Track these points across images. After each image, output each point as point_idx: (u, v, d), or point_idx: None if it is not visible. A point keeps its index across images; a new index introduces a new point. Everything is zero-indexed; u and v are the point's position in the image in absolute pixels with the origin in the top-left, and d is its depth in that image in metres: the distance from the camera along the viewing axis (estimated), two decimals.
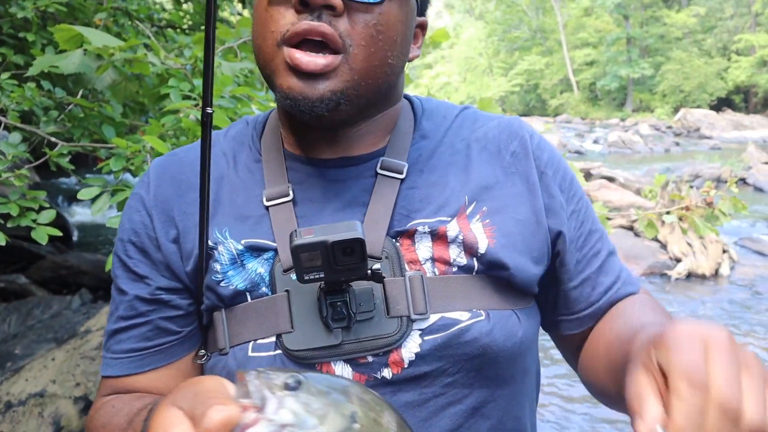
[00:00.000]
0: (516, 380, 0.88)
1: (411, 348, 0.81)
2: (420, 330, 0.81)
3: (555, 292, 0.95)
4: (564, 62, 43.49)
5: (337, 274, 0.75)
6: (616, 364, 0.78)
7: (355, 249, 0.73)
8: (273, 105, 2.50)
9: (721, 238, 6.90)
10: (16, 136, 2.20)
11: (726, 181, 12.59)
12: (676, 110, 34.05)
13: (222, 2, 3.68)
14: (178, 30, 4.03)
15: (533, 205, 0.89)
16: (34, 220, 1.99)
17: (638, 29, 39.92)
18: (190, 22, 4.37)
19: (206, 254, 0.84)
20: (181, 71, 2.27)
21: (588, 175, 11.18)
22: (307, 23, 0.75)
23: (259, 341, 0.82)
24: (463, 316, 0.82)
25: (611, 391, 0.84)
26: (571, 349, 1.00)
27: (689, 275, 6.50)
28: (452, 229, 0.85)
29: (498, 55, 48.75)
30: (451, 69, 51.81)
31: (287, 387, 0.54)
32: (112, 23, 3.10)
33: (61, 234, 2.11)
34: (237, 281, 0.84)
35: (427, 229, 0.85)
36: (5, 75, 2.50)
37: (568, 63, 43.09)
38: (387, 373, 0.81)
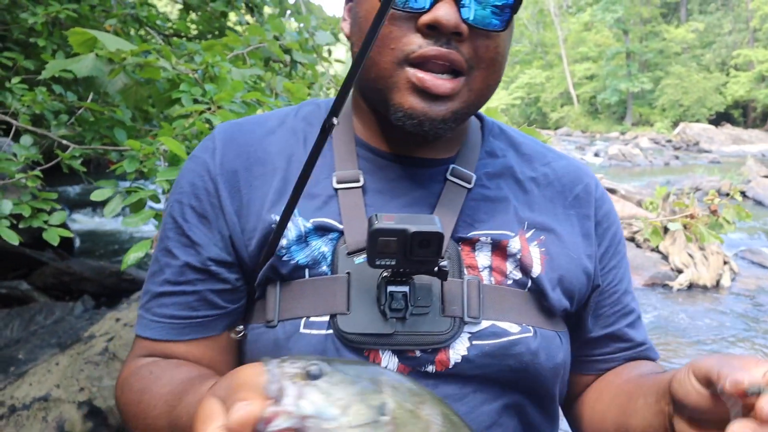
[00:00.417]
0: (546, 398, 0.90)
1: (459, 350, 0.82)
2: (470, 333, 0.83)
3: (578, 336, 0.98)
4: (564, 76, 43.70)
5: (409, 264, 0.76)
6: (631, 396, 0.84)
7: (432, 243, 0.74)
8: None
9: (721, 250, 6.91)
10: (27, 139, 2.22)
11: (726, 194, 12.65)
12: (675, 124, 34.19)
13: (229, 10, 3.72)
14: (185, 38, 4.07)
15: (585, 250, 0.93)
16: (45, 221, 2.01)
17: (637, 44, 40.18)
18: (196, 31, 4.41)
19: (272, 229, 0.84)
20: (191, 76, 2.30)
21: None
22: (436, 49, 0.77)
23: (312, 318, 0.82)
24: (513, 329, 0.84)
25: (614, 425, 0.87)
26: (570, 395, 1.01)
27: (691, 286, 6.50)
28: (514, 245, 0.88)
29: None
30: None
31: (309, 376, 0.53)
32: (121, 30, 3.13)
33: (71, 235, 2.12)
34: (299, 256, 0.85)
35: (489, 240, 0.87)
36: (16, 79, 2.52)
37: (569, 77, 43.29)
38: (431, 369, 0.82)
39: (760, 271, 7.51)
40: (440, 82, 0.78)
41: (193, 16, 4.38)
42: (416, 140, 0.89)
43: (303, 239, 0.85)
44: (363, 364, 0.60)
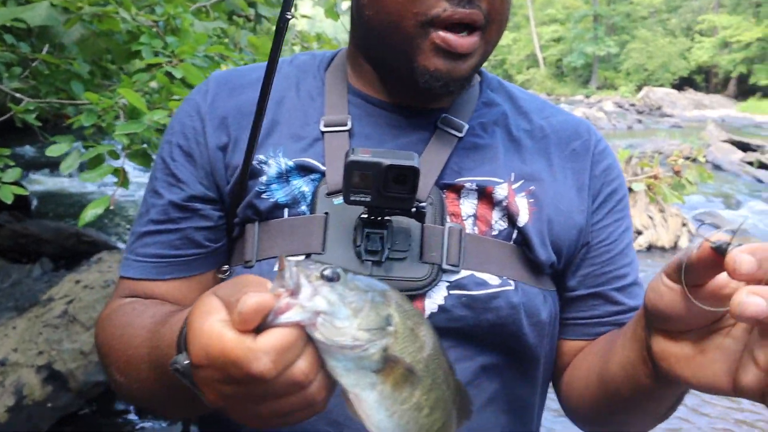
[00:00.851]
0: (527, 360, 0.88)
1: (436, 299, 0.81)
2: (448, 282, 0.81)
3: (562, 295, 0.94)
4: (531, 38, 43.62)
5: (384, 200, 0.75)
6: (611, 342, 0.81)
7: (408, 178, 0.73)
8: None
9: (680, 212, 7.08)
10: None
11: (687, 158, 12.89)
12: (639, 88, 34.60)
13: None
14: None
15: (577, 204, 0.91)
16: None
17: (605, 7, 40.28)
18: None
19: (255, 168, 0.85)
20: (152, 28, 2.21)
21: None
22: (461, 11, 0.78)
23: (287, 258, 0.82)
24: (493, 281, 0.82)
25: (610, 381, 0.80)
26: (559, 366, 0.97)
27: (650, 247, 6.66)
28: (500, 192, 0.86)
29: None
30: None
31: (325, 277, 0.54)
32: None
33: (26, 193, 2.04)
34: (279, 194, 0.85)
35: (474, 186, 0.86)
36: None
37: (536, 39, 43.24)
38: None
39: (716, 232, 7.72)
40: (463, 41, 0.79)
41: None
42: (412, 91, 0.88)
43: (284, 177, 0.85)
44: (373, 279, 0.59)
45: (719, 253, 0.52)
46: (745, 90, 34.08)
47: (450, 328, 0.81)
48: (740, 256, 0.50)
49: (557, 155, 0.93)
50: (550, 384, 0.99)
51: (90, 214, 1.62)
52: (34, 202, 6.76)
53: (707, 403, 3.67)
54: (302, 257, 0.81)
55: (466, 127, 0.90)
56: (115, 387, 0.82)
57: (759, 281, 0.51)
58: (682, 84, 35.72)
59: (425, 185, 0.83)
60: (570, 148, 0.94)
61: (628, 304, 0.92)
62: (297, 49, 3.34)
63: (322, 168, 0.85)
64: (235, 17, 3.27)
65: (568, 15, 41.31)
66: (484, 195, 0.86)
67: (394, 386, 0.56)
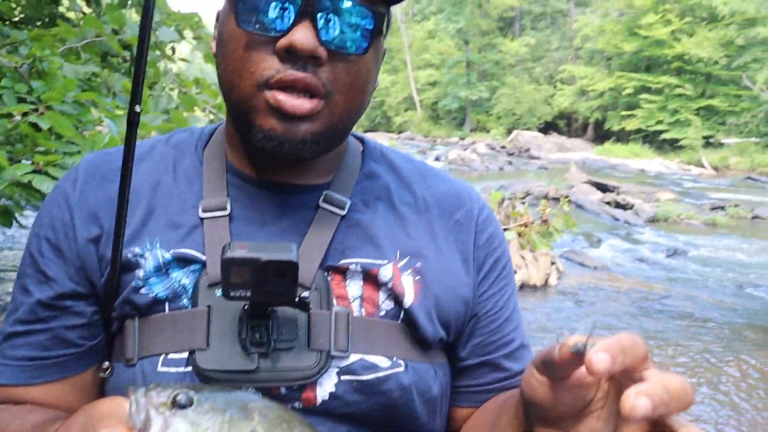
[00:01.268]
0: None
1: (326, 387, 0.79)
2: (338, 368, 0.80)
3: (453, 364, 0.95)
4: (408, 81, 45.20)
5: (265, 295, 0.72)
6: (498, 414, 0.83)
7: (287, 272, 0.71)
8: (119, 112, 2.36)
9: (549, 252, 7.53)
10: None
11: (554, 198, 13.76)
12: (509, 131, 36.74)
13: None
14: (8, 23, 3.66)
15: (463, 277, 0.91)
16: None
17: (477, 54, 42.57)
18: (22, 15, 3.98)
19: (131, 262, 0.81)
20: (16, 70, 2.07)
21: None
22: (293, 73, 0.75)
23: (171, 355, 0.78)
24: (383, 363, 0.82)
25: None
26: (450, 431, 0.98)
27: (522, 286, 6.99)
28: (385, 273, 0.85)
29: None
30: None
31: (176, 404, 0.51)
32: None
33: None
34: (158, 289, 0.80)
35: (359, 269, 0.85)
36: None
37: (413, 82, 44.84)
38: (297, 406, 0.79)
39: (582, 269, 8.28)
40: (298, 102, 0.76)
41: None
42: (286, 165, 0.87)
43: (163, 271, 0.81)
44: (232, 390, 0.56)
45: (578, 354, 0.56)
46: (601, 134, 37.13)
47: (344, 414, 0.80)
48: (596, 357, 0.53)
49: (441, 227, 0.93)
50: None
51: None
52: None
53: None
54: (185, 354, 0.78)
55: (348, 203, 0.89)
56: None
57: (615, 374, 0.55)
58: (547, 128, 38.34)
59: (309, 269, 0.82)
60: (453, 219, 0.94)
61: (515, 370, 0.95)
62: (174, 93, 3.24)
63: (202, 258, 0.81)
64: (109, 58, 3.14)
65: (442, 60, 43.24)
66: (369, 277, 0.85)
67: None
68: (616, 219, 12.51)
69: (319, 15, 0.75)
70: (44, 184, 1.47)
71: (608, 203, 13.80)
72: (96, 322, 0.84)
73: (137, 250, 0.82)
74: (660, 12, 33.12)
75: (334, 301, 0.83)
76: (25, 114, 1.79)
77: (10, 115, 1.87)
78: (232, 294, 0.72)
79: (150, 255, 0.82)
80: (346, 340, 0.81)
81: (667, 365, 5.20)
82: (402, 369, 0.83)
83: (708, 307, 6.98)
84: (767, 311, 6.94)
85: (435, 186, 0.98)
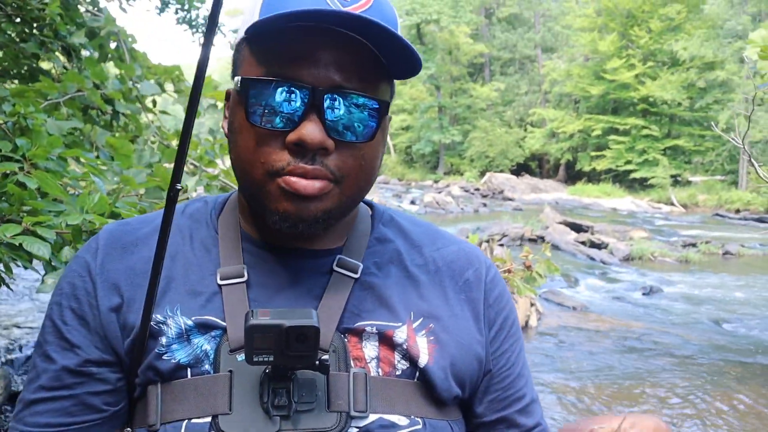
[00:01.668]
0: None
1: None
2: (357, 428, 0.82)
3: (470, 421, 0.97)
4: None
5: (287, 359, 0.75)
6: None
7: (308, 337, 0.74)
8: (104, 167, 2.35)
9: (528, 293, 7.57)
10: None
11: (530, 239, 13.85)
12: (482, 174, 37.24)
13: (45, 55, 3.40)
14: None
15: (476, 335, 0.94)
16: None
17: (448, 99, 43.40)
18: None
19: (153, 329, 0.82)
20: None
21: None
22: (303, 167, 0.78)
23: (194, 420, 0.79)
24: (401, 421, 0.84)
25: None
26: None
27: None
28: (400, 335, 0.88)
29: None
30: None
31: None
32: None
33: None
34: (180, 355, 0.82)
35: (375, 330, 0.87)
36: None
37: None
38: None
39: (561, 310, 8.34)
40: (309, 183, 0.79)
41: None
42: (291, 231, 0.89)
43: (185, 337, 0.83)
44: None
45: None
46: (573, 175, 37.85)
47: None
48: None
49: (452, 288, 0.96)
50: None
51: None
52: None
53: None
54: (208, 419, 0.79)
55: (361, 266, 0.91)
56: None
57: None
58: (519, 170, 38.95)
59: (327, 332, 0.84)
60: (463, 279, 0.97)
61: (528, 425, 0.98)
62: (155, 146, 3.25)
63: (223, 324, 0.83)
64: (89, 111, 3.14)
65: (415, 105, 43.95)
66: (385, 338, 0.87)
67: None
68: (592, 258, 12.66)
69: (326, 109, 0.78)
70: (34, 246, 1.46)
71: (583, 243, 13.97)
72: (120, 388, 0.86)
73: (159, 317, 0.84)
74: (623, 57, 34.26)
75: (352, 363, 0.85)
76: (11, 174, 1.77)
77: None
78: (255, 359, 0.74)
79: (172, 322, 0.83)
80: (364, 401, 0.82)
81: (649, 403, 5.21)
82: (420, 426, 0.85)
83: (687, 344, 7.05)
84: (745, 347, 7.03)
85: (444, 247, 1.01)
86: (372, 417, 0.83)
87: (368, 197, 1.02)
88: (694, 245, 14.52)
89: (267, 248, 0.91)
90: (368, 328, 0.87)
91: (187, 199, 2.11)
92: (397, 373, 0.87)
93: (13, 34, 3.51)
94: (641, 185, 32.87)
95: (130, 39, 3.63)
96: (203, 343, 0.83)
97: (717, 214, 24.99)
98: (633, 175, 33.26)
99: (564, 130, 36.76)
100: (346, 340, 0.86)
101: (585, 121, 35.82)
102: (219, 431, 0.78)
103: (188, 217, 0.95)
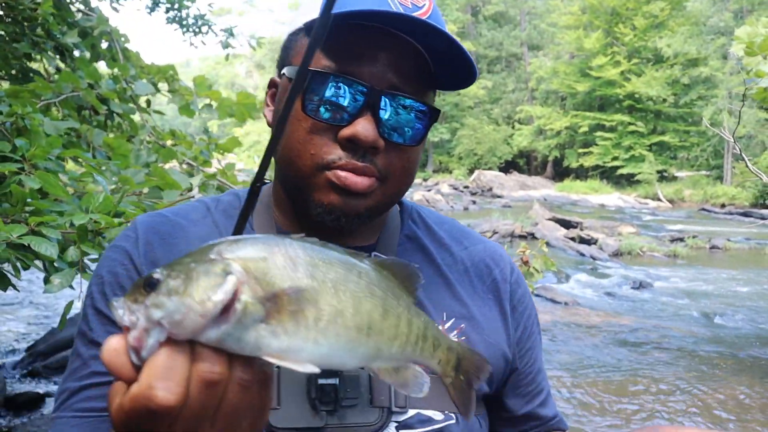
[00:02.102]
0: None
1: None
2: (397, 422, 0.85)
3: (499, 415, 1.03)
4: None
5: None
6: None
7: None
8: (102, 167, 2.34)
9: None
10: None
11: (520, 236, 13.88)
12: (471, 171, 37.36)
13: (38, 55, 3.37)
14: None
15: (505, 334, 0.98)
16: None
17: (436, 97, 43.45)
18: None
19: None
20: None
21: None
22: (353, 163, 0.81)
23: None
24: (437, 416, 0.87)
25: None
26: None
27: None
28: None
29: None
30: (262, 128, 52.01)
31: (148, 287, 0.52)
32: None
33: None
34: None
35: None
36: None
37: None
38: None
39: (553, 305, 8.38)
40: (359, 180, 0.82)
41: None
42: (330, 230, 0.91)
43: None
44: (203, 250, 0.56)
45: None
46: (560, 171, 38.07)
47: None
48: None
49: (480, 287, 1.00)
50: None
51: None
52: None
53: None
54: None
55: None
56: None
57: None
58: (507, 167, 39.13)
59: None
60: (491, 279, 1.01)
61: (548, 416, 1.05)
62: (150, 146, 3.23)
63: None
64: (83, 112, 3.12)
65: None
66: None
67: (292, 317, 0.53)
68: (582, 254, 12.73)
69: (380, 109, 0.81)
70: (42, 246, 1.45)
71: (572, 239, 14.04)
72: None
73: None
74: (609, 54, 34.50)
75: None
76: (13, 174, 1.76)
77: None
78: None
79: None
80: (404, 397, 0.85)
81: (643, 396, 5.25)
82: (453, 421, 0.88)
83: (677, 337, 7.11)
84: (736, 339, 7.10)
85: (471, 246, 1.04)
86: (411, 412, 0.86)
87: None
88: (681, 240, 14.64)
89: None
90: None
91: (192, 198, 2.10)
92: None
93: (3, 34, 3.47)
94: (628, 181, 33.10)
95: (123, 39, 3.61)
96: None
97: (703, 209, 25.23)
98: (620, 171, 33.50)
99: (551, 127, 36.97)
100: None
101: (572, 118, 36.04)
102: (268, 425, 0.79)
103: (222, 213, 0.96)
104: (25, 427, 3.71)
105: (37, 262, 1.78)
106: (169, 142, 3.33)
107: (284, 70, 0.88)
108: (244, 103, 3.12)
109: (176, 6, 5.32)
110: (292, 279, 0.54)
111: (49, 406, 4.18)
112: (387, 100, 0.81)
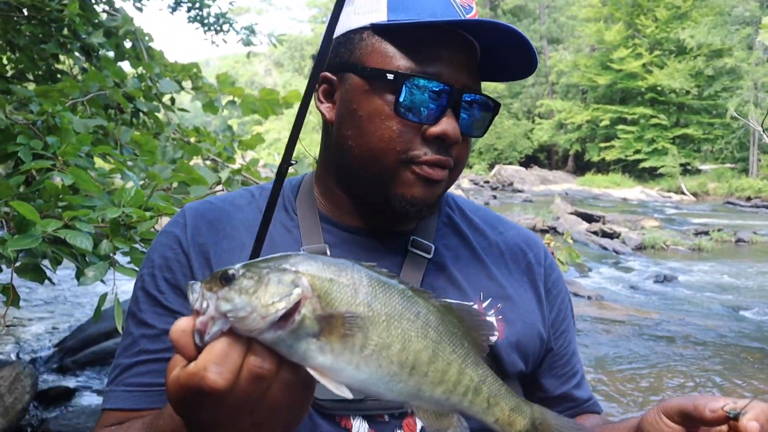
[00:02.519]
0: None
1: None
2: None
3: (536, 396, 1.05)
4: None
5: None
6: None
7: None
8: (130, 163, 2.38)
9: None
10: None
11: (542, 230, 13.79)
12: (491, 166, 37.16)
13: (65, 55, 3.44)
14: (4, 78, 3.68)
15: (540, 315, 1.02)
16: None
17: None
18: (14, 70, 4.01)
19: None
20: (27, 127, 2.09)
21: None
22: (437, 158, 0.88)
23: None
24: None
25: None
26: None
27: None
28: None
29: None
30: (281, 126, 52.26)
31: (223, 280, 0.57)
32: None
33: None
34: None
35: None
36: None
37: None
38: None
39: (576, 299, 8.32)
40: (438, 171, 0.89)
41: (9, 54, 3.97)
42: (381, 215, 0.96)
43: None
44: (279, 258, 0.60)
45: (733, 418, 0.70)
46: (582, 165, 37.71)
47: None
48: (750, 425, 0.68)
49: (515, 270, 1.03)
50: None
51: None
52: None
53: None
54: None
55: (433, 248, 0.97)
56: None
57: None
58: (528, 161, 38.87)
59: None
60: (525, 262, 1.05)
61: (583, 398, 1.08)
62: (175, 142, 3.27)
63: None
64: (109, 110, 3.17)
65: None
66: None
67: (341, 339, 0.57)
68: (605, 248, 12.62)
69: (462, 108, 0.89)
70: (77, 239, 1.49)
71: (595, 233, 13.93)
72: None
73: None
74: (630, 46, 34.06)
75: None
76: (47, 170, 1.80)
77: (27, 172, 1.89)
78: None
79: None
80: None
81: (668, 389, 5.21)
82: None
83: (703, 331, 7.03)
84: (762, 333, 7.00)
85: (506, 231, 1.08)
86: None
87: None
88: (706, 233, 14.45)
89: (345, 229, 0.97)
90: None
91: (223, 191, 2.13)
92: None
93: (31, 35, 3.54)
94: (651, 175, 32.70)
95: (147, 38, 3.66)
96: None
97: (728, 202, 24.85)
98: (642, 165, 33.10)
99: (572, 120, 36.61)
100: None
101: (593, 112, 35.65)
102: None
103: (266, 199, 0.97)
104: (56, 420, 3.78)
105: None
106: (192, 139, 3.37)
107: (360, 70, 0.90)
108: (267, 99, 3.14)
109: (198, 5, 5.37)
110: (349, 304, 0.58)
111: (79, 400, 4.27)
112: (467, 99, 0.89)
